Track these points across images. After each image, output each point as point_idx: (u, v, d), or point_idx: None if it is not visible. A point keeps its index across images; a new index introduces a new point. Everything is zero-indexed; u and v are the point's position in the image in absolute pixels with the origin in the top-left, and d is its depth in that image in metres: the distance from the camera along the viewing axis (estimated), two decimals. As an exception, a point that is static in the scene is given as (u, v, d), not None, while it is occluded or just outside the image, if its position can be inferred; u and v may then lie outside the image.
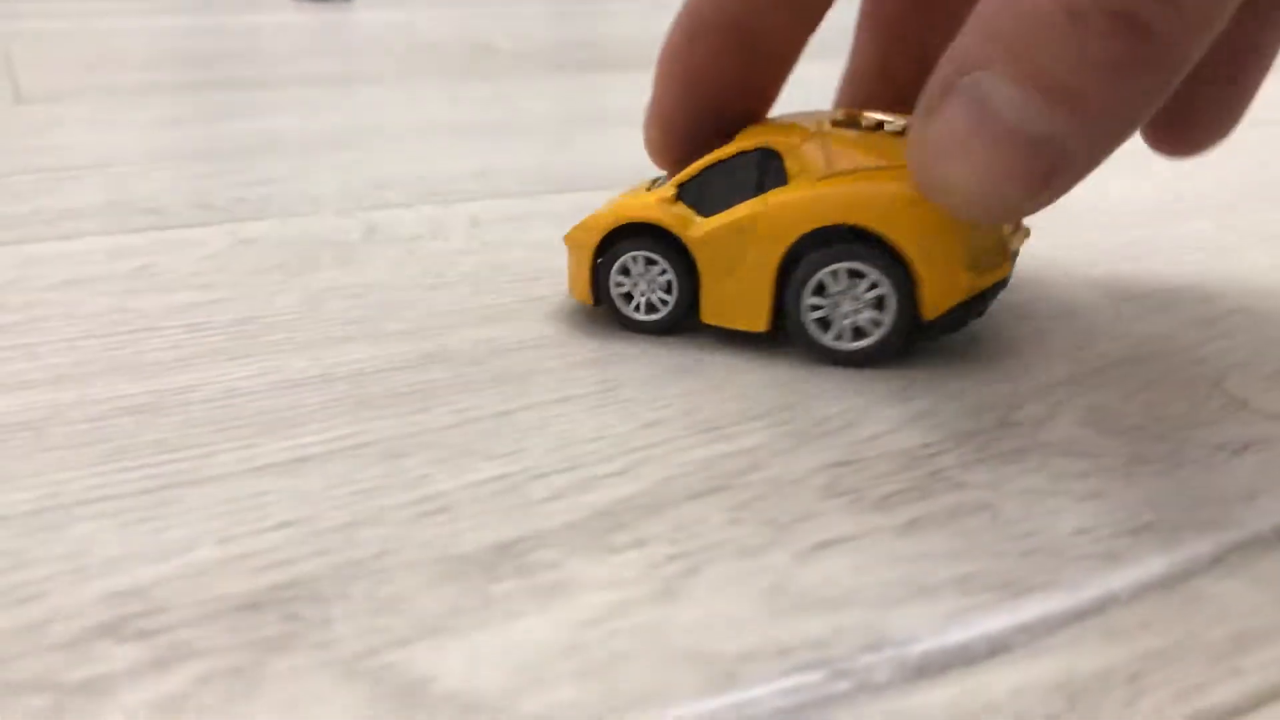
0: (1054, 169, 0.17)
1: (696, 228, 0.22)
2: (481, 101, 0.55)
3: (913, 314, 0.21)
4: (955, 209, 0.18)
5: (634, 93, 0.58)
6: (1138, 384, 0.20)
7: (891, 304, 0.21)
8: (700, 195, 0.22)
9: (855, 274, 0.21)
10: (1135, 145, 0.22)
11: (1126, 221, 0.31)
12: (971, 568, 0.15)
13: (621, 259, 0.23)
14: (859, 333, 0.21)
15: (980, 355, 0.22)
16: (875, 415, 0.19)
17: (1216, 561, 0.15)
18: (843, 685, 0.12)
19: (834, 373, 0.21)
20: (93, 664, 0.13)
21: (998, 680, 0.12)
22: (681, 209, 0.22)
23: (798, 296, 0.21)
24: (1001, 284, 0.22)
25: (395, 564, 0.15)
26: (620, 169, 0.39)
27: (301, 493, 0.16)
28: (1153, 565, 0.15)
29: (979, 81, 0.17)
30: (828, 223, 0.21)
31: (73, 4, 1.36)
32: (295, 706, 0.12)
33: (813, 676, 0.13)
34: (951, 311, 0.21)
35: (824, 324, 0.21)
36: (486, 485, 0.17)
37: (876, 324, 0.21)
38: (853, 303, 0.21)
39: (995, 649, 0.13)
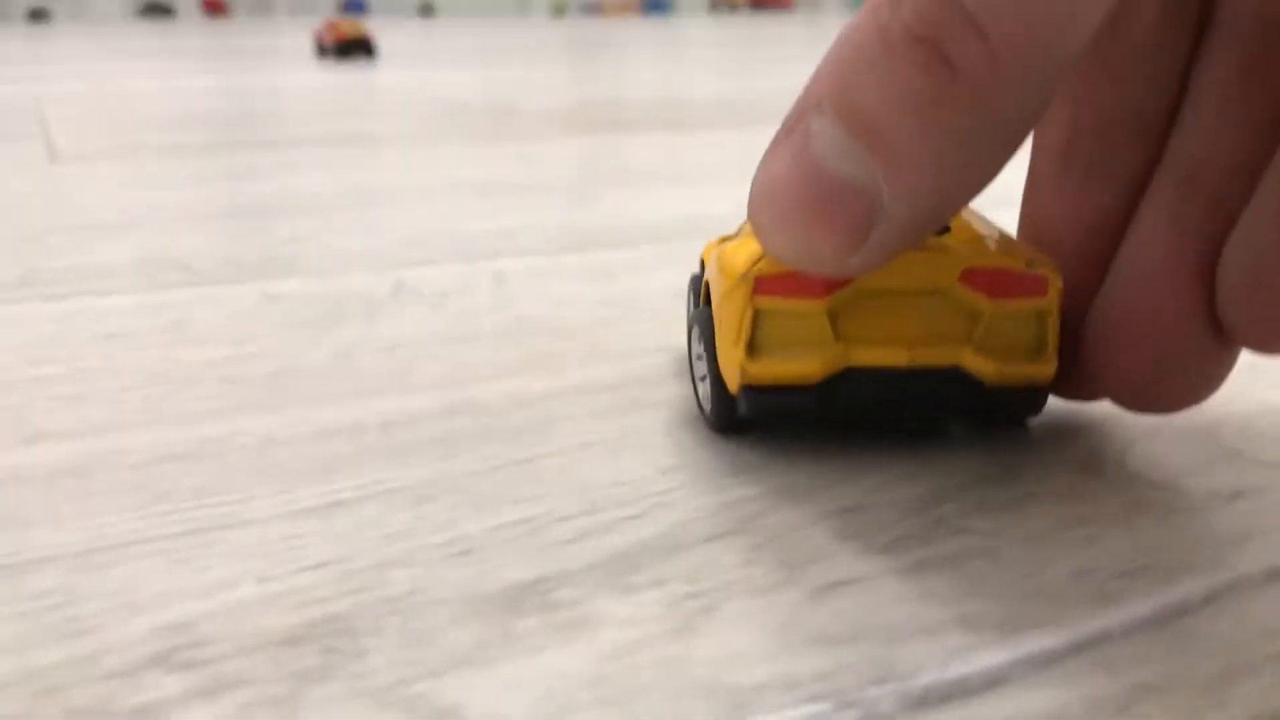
0: (868, 222, 0.15)
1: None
2: (505, 161, 0.56)
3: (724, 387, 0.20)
4: (777, 261, 0.17)
5: (654, 152, 0.59)
6: (1136, 434, 0.21)
7: (711, 369, 0.20)
8: None
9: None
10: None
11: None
12: (974, 608, 0.15)
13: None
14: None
15: (985, 406, 0.22)
16: (882, 465, 0.20)
17: (1208, 601, 0.15)
18: (849, 715, 0.13)
19: (841, 426, 0.21)
20: (145, 692, 0.13)
21: (994, 710, 0.13)
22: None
23: (690, 350, 0.21)
24: (861, 385, 0.19)
25: (425, 601, 0.15)
26: (641, 226, 0.40)
27: (336, 535, 0.17)
28: (1146, 605, 0.15)
29: (811, 120, 0.15)
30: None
31: (102, 65, 1.39)
32: (334, 732, 0.13)
33: (821, 706, 0.13)
34: (757, 397, 0.19)
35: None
36: (511, 528, 0.17)
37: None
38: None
39: (993, 681, 0.14)
